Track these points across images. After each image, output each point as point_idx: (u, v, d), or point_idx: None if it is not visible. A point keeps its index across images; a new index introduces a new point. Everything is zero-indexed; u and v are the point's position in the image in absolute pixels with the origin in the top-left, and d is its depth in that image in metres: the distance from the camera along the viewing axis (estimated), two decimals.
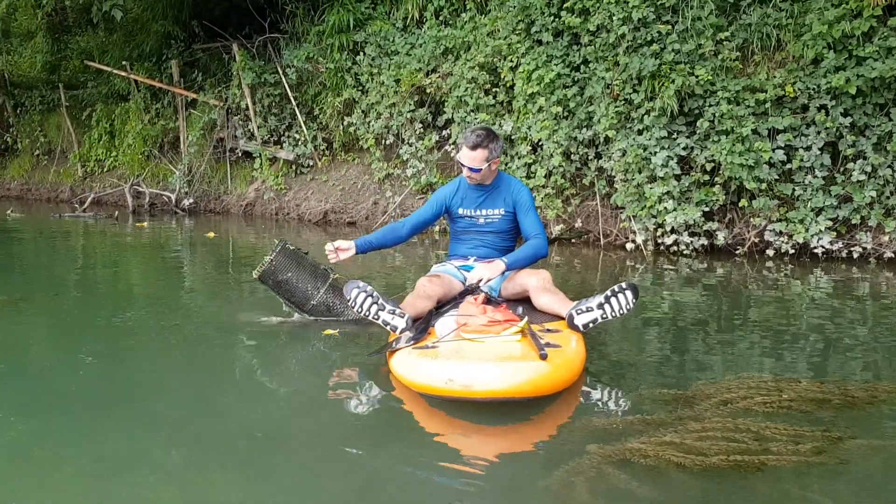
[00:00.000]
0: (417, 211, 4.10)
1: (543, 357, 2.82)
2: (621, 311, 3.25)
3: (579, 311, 3.28)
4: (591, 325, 3.27)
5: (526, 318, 3.20)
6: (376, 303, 3.35)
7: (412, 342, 3.14)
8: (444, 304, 3.61)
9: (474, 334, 3.11)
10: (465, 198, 3.93)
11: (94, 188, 12.49)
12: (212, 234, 8.50)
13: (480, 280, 3.65)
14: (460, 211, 3.96)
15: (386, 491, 2.30)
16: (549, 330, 3.27)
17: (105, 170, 12.82)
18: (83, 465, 2.46)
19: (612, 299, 3.24)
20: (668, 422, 2.66)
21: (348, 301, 3.41)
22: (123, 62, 11.94)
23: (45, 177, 14.25)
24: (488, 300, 3.67)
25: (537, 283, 3.64)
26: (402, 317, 3.33)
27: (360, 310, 3.37)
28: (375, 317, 3.35)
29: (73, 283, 5.90)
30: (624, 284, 3.27)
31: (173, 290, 5.63)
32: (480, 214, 3.92)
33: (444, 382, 2.76)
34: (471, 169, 3.75)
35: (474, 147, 3.70)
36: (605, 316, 3.25)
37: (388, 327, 3.37)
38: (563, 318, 3.38)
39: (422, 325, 3.31)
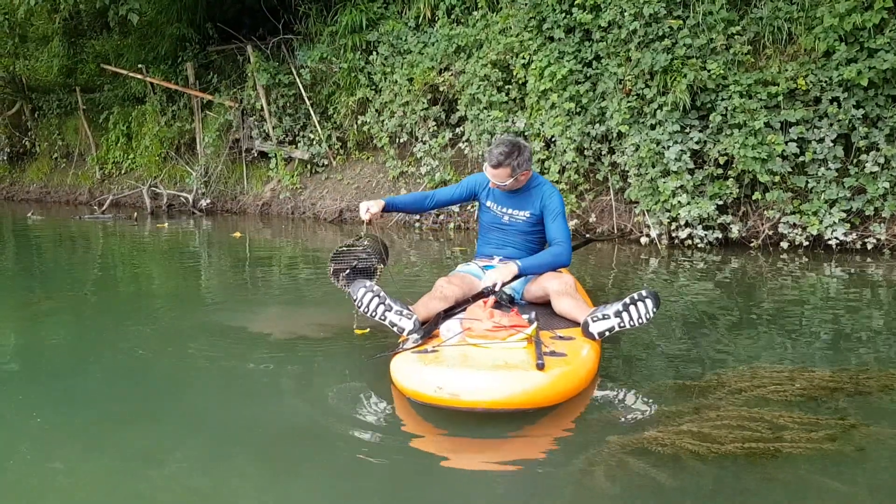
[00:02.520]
0: (446, 188, 4.03)
1: (540, 367, 2.70)
2: (640, 321, 3.08)
3: (595, 319, 3.12)
4: (606, 333, 3.11)
5: (535, 324, 3.07)
6: (383, 303, 3.25)
7: (418, 344, 3.04)
8: (457, 306, 3.45)
9: (479, 339, 2.98)
10: (495, 191, 3.80)
11: (113, 190, 12.66)
12: (238, 234, 8.61)
13: (495, 284, 3.48)
14: (488, 203, 3.85)
15: (404, 485, 2.35)
16: (560, 337, 3.12)
17: (122, 172, 12.99)
18: (108, 462, 2.51)
19: (632, 307, 3.08)
20: (684, 411, 2.72)
21: (354, 301, 3.31)
22: (139, 65, 12.09)
23: (63, 179, 14.44)
24: (499, 304, 3.47)
25: (558, 287, 3.48)
26: (410, 318, 3.22)
27: (366, 310, 3.27)
28: (382, 318, 3.25)
29: (97, 285, 6.00)
30: (644, 292, 3.10)
31: (196, 290, 5.72)
32: (505, 213, 3.79)
33: (433, 390, 2.66)
34: (496, 184, 3.67)
35: (496, 166, 3.59)
36: (622, 325, 3.08)
37: (394, 329, 3.25)
38: (580, 325, 3.22)
39: (428, 328, 3.19)
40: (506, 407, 2.65)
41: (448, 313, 3.35)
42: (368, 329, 3.87)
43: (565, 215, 3.71)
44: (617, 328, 3.10)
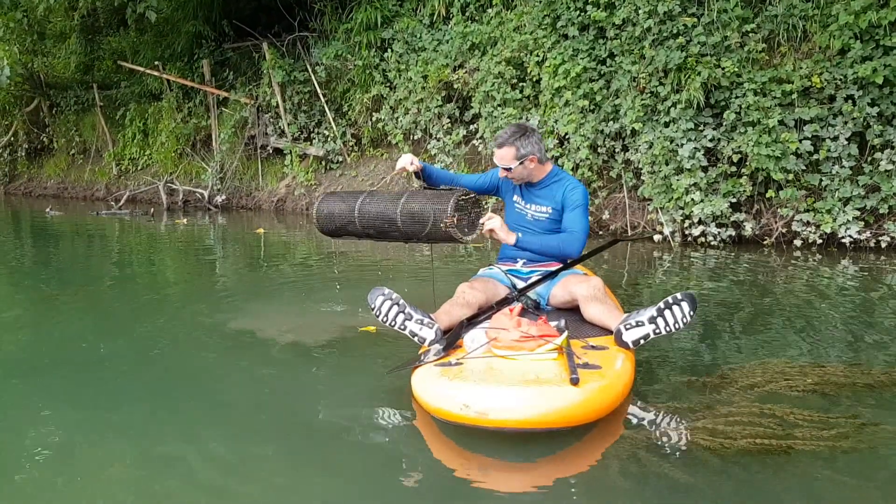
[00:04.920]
0: (472, 174, 3.88)
1: (574, 382, 2.52)
2: (677, 326, 2.86)
3: (628, 326, 2.91)
4: (641, 341, 2.90)
5: (566, 334, 2.89)
6: (403, 311, 3.07)
7: (441, 356, 2.86)
8: (481, 313, 3.28)
9: (506, 350, 2.81)
10: (521, 185, 3.66)
11: (129, 186, 12.78)
12: (261, 230, 8.68)
13: (489, 226, 3.29)
14: (514, 198, 3.70)
15: (401, 474, 2.39)
16: (592, 346, 2.93)
17: (139, 168, 13.11)
18: (125, 457, 2.55)
19: (667, 312, 2.86)
20: (697, 407, 2.76)
21: (372, 310, 3.14)
22: (156, 62, 12.19)
23: (80, 175, 14.59)
24: (525, 310, 3.35)
25: (587, 292, 3.27)
26: (431, 327, 3.05)
27: (384, 319, 3.10)
28: (402, 327, 3.07)
29: (115, 280, 6.09)
30: (679, 295, 2.87)
31: (213, 287, 5.78)
32: (529, 209, 3.63)
33: (459, 408, 2.49)
34: (504, 168, 3.53)
35: (501, 145, 3.50)
36: (658, 331, 2.87)
37: (415, 339, 3.07)
38: (611, 333, 3.04)
39: (451, 338, 3.01)
40: (538, 427, 2.48)
41: (471, 321, 3.19)
42: (376, 328, 3.85)
43: (586, 210, 3.53)
44: (652, 335, 2.89)
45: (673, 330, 2.87)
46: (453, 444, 2.58)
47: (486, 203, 3.49)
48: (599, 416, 2.59)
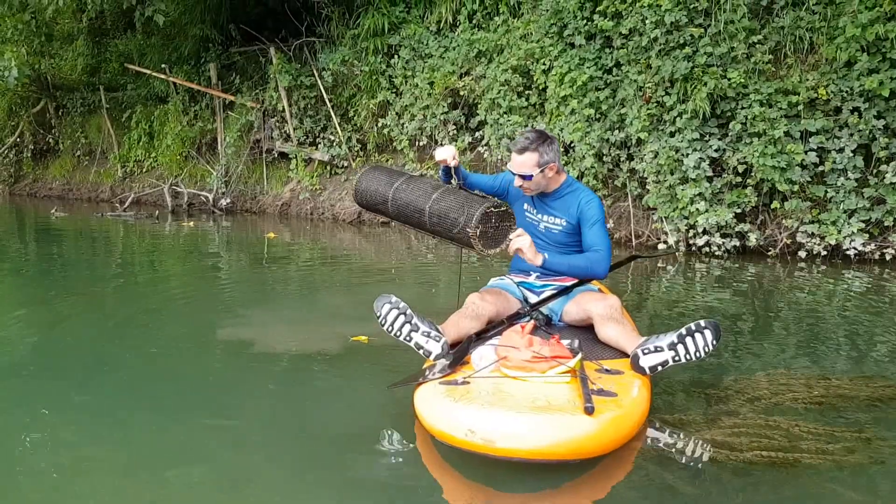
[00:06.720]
0: (486, 175, 3.68)
1: (589, 411, 2.36)
2: (697, 354, 2.72)
3: (646, 351, 2.77)
4: (659, 367, 2.76)
5: (579, 356, 2.74)
6: (409, 322, 2.93)
7: (446, 372, 2.74)
8: (492, 327, 3.15)
9: (516, 371, 2.67)
10: (533, 195, 3.45)
11: (134, 188, 12.78)
12: (271, 235, 8.69)
13: (517, 245, 3.06)
14: (525, 206, 3.49)
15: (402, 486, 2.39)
16: (607, 370, 2.79)
17: (144, 170, 13.12)
18: (134, 462, 2.56)
19: (688, 339, 2.72)
20: (703, 419, 2.77)
21: (377, 318, 3.00)
22: (162, 65, 12.22)
23: (85, 177, 14.59)
24: (537, 327, 3.19)
25: (602, 312, 3.11)
26: (438, 340, 2.90)
27: (390, 329, 2.96)
28: (408, 338, 2.94)
29: (118, 283, 6.10)
30: (703, 322, 2.74)
31: (216, 292, 5.77)
32: (541, 219, 3.42)
33: (464, 433, 2.35)
34: (522, 177, 3.27)
35: (522, 150, 3.24)
36: (677, 358, 2.73)
37: (420, 352, 2.94)
38: (626, 355, 2.90)
39: (459, 353, 2.88)
40: (548, 458, 2.33)
41: (480, 336, 3.07)
42: (367, 338, 3.83)
43: (605, 223, 3.35)
44: (671, 362, 2.75)
45: (693, 358, 2.74)
46: (455, 470, 2.49)
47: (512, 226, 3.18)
48: (614, 448, 2.47)
